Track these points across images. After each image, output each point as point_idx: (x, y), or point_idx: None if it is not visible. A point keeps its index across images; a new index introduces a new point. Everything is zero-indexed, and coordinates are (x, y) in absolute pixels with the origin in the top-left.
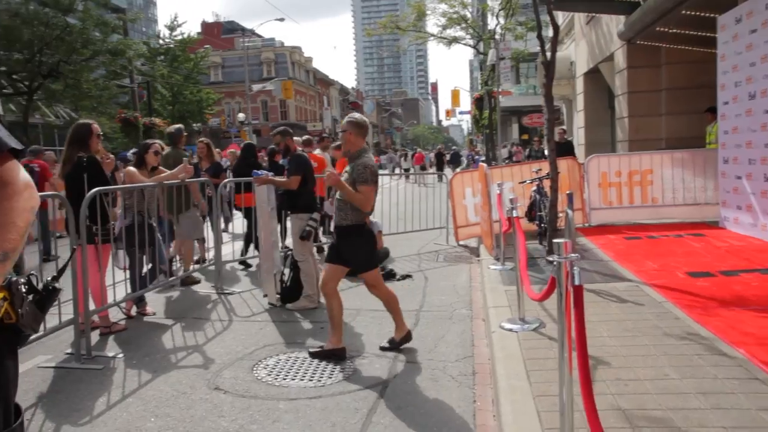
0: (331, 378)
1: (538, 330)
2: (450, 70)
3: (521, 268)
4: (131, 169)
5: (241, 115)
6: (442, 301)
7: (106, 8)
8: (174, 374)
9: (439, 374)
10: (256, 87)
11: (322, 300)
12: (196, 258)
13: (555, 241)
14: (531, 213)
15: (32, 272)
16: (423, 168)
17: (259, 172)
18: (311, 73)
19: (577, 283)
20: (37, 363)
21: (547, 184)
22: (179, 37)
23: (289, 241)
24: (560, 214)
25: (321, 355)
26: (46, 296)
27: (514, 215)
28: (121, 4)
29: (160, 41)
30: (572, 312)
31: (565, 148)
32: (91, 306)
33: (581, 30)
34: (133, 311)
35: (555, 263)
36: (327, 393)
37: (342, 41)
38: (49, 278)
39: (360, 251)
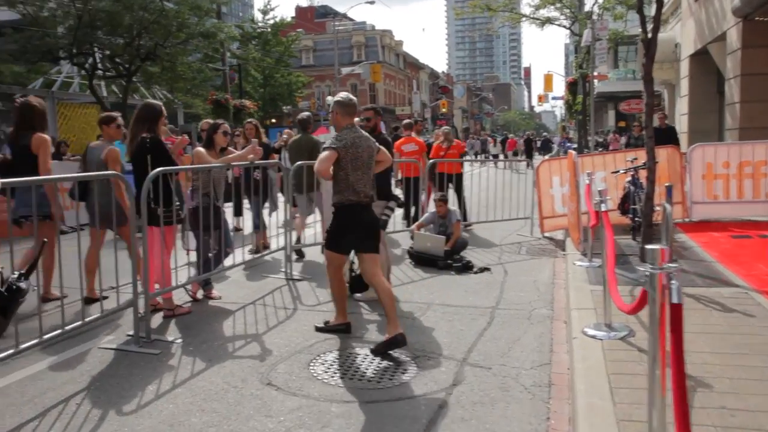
0: (391, 380)
1: (627, 339)
2: (545, 54)
3: (609, 269)
4: (200, 149)
5: (329, 99)
6: (521, 299)
7: None
8: (228, 365)
9: (510, 383)
10: (345, 70)
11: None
12: (250, 247)
13: (649, 247)
14: (624, 205)
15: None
16: (516, 154)
17: None
18: (401, 56)
19: (675, 301)
20: (98, 343)
21: (643, 174)
22: (271, 21)
23: None
24: (657, 208)
25: (325, 330)
26: (8, 298)
27: (603, 209)
28: None
29: (253, 25)
30: (667, 331)
31: (668, 136)
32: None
33: (689, 8)
34: (199, 294)
35: (647, 274)
36: (384, 397)
37: (433, 25)
38: (15, 275)
39: (330, 229)
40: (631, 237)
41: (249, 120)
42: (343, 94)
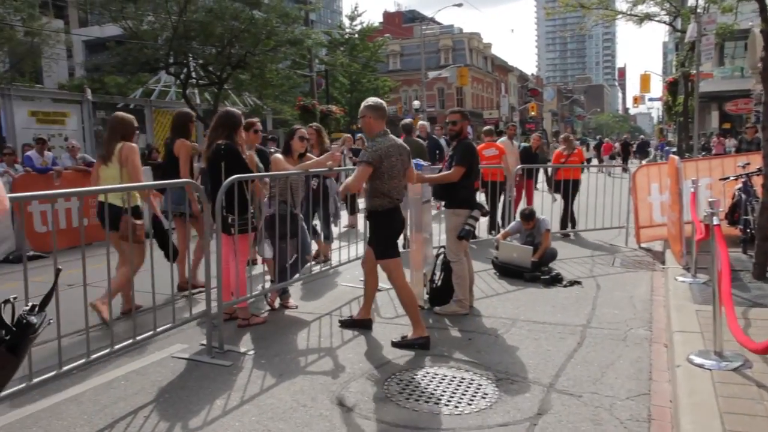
0: (471, 405)
1: (741, 371)
2: (640, 53)
3: (724, 291)
4: (277, 156)
5: (416, 103)
6: (615, 317)
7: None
8: (299, 381)
9: (603, 415)
10: (432, 74)
11: (475, 305)
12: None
13: None
14: (734, 215)
15: (11, 297)
16: (612, 158)
17: (419, 162)
18: (489, 59)
19: None
20: (172, 352)
21: (757, 182)
22: (359, 27)
23: (442, 238)
24: None
25: (348, 324)
26: (18, 334)
27: (714, 222)
28: None
29: (341, 32)
30: None
31: None
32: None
33: None
34: (277, 303)
35: None
36: (462, 425)
37: (523, 27)
38: (27, 308)
39: (374, 236)
40: (741, 250)
41: (311, 124)
42: (372, 99)
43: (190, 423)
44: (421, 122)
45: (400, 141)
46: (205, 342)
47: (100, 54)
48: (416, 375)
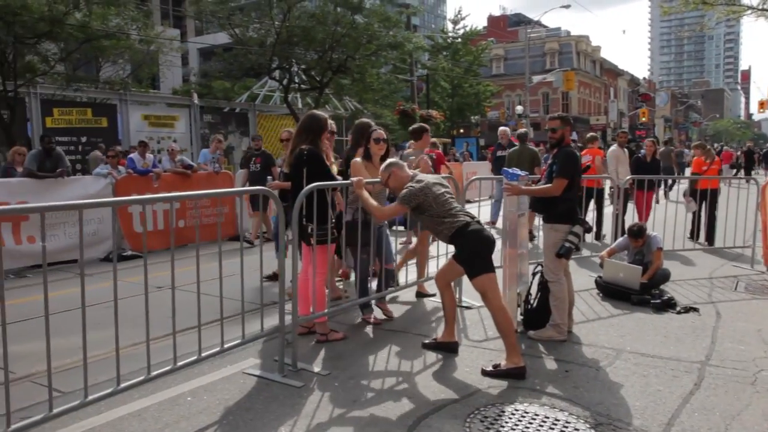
0: None
1: None
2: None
3: None
4: (356, 161)
5: (519, 108)
6: (740, 354)
7: (391, 4)
8: (372, 410)
9: None
10: (536, 78)
11: (574, 330)
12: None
13: None
14: None
15: None
16: (733, 168)
17: (515, 171)
18: (598, 63)
19: None
20: (244, 367)
21: None
22: (462, 31)
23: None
24: None
25: (432, 347)
26: None
27: None
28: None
29: (443, 35)
30: None
31: None
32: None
33: None
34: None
35: None
36: None
37: (636, 28)
38: None
39: (459, 257)
40: None
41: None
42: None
43: None
44: (501, 128)
45: (433, 176)
46: (277, 358)
47: (209, 60)
48: (504, 412)
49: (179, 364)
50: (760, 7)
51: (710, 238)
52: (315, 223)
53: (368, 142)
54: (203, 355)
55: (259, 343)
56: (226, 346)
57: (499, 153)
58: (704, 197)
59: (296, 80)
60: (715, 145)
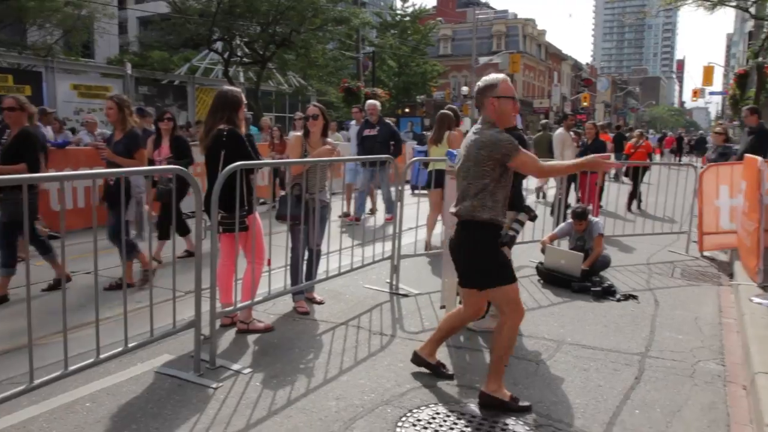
0: None
1: None
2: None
3: None
4: (294, 135)
5: (464, 89)
6: (679, 344)
7: None
8: (294, 415)
9: None
10: (482, 60)
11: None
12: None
13: None
14: None
15: None
16: (673, 152)
17: (455, 153)
18: (543, 47)
19: None
20: (155, 365)
21: None
22: (410, 9)
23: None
24: None
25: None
26: None
27: None
28: None
29: (391, 12)
30: None
31: None
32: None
33: None
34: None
35: None
36: None
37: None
38: None
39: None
40: None
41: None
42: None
43: None
44: (370, 101)
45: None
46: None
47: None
48: (438, 414)
49: (71, 368)
50: None
51: (638, 202)
52: (237, 208)
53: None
54: (101, 357)
55: (178, 336)
56: (129, 345)
57: (367, 132)
58: (636, 173)
59: (238, 53)
60: (650, 131)
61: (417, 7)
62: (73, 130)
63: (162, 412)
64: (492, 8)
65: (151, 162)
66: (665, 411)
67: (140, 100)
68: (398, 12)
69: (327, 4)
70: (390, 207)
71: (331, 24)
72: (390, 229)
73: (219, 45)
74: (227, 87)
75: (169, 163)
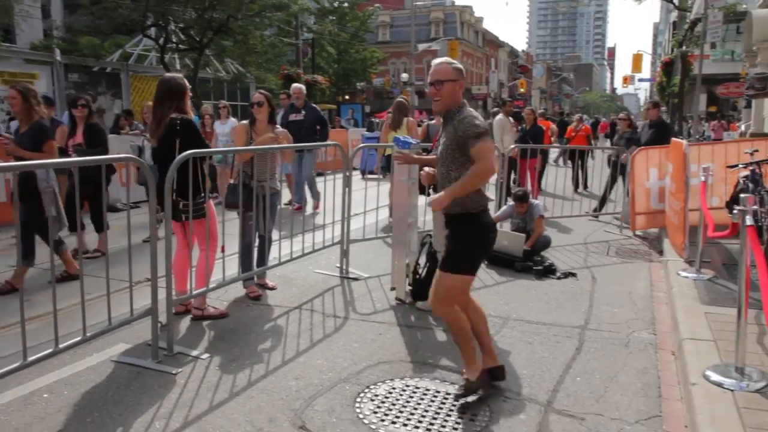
0: (456, 429)
1: (766, 393)
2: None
3: (766, 306)
4: (242, 123)
5: (404, 75)
6: (615, 316)
7: None
8: (255, 396)
9: None
10: (421, 47)
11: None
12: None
13: None
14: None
15: None
16: (607, 137)
17: (407, 139)
18: (480, 34)
19: None
20: (112, 354)
21: (765, 170)
22: None
23: (430, 226)
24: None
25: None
26: None
27: (748, 223)
28: None
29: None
30: None
31: (660, 131)
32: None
33: None
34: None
35: None
36: None
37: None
38: None
39: (464, 246)
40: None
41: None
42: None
43: None
44: (296, 85)
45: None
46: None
47: (77, 14)
48: (394, 389)
49: (30, 359)
50: None
51: (585, 184)
52: (191, 197)
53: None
54: (60, 346)
55: (132, 326)
56: (89, 334)
57: (293, 117)
58: (578, 156)
59: (173, 39)
60: (584, 117)
61: None
62: None
63: (123, 399)
64: None
65: (63, 151)
66: (603, 377)
67: (71, 87)
68: None
69: None
70: (314, 195)
71: (269, 10)
72: (337, 215)
73: (153, 31)
74: (170, 74)
75: (78, 153)
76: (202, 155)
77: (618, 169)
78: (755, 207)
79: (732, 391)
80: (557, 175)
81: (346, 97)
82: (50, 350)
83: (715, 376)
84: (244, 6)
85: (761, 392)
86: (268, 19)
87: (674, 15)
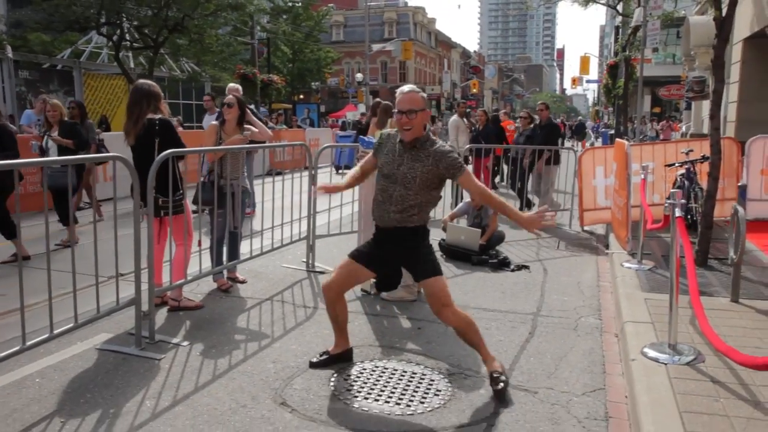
0: (423, 402)
1: (695, 365)
2: (579, 36)
3: (691, 289)
4: (212, 124)
5: (359, 76)
6: (564, 304)
7: None
8: (237, 377)
9: (560, 413)
10: (376, 47)
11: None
12: None
13: None
14: None
15: None
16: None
17: (371, 140)
18: (433, 34)
19: None
20: (96, 342)
21: (700, 168)
22: None
23: None
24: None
25: (325, 363)
26: None
27: (677, 214)
28: None
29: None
30: None
31: (547, 132)
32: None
33: None
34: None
35: None
36: (416, 427)
37: (468, 3)
38: None
39: (427, 257)
40: None
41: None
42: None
43: (114, 429)
44: (232, 85)
45: None
46: (133, 330)
47: (23, 8)
48: (365, 369)
49: (29, 343)
50: None
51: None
52: (170, 194)
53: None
54: (56, 332)
55: (110, 318)
56: (80, 321)
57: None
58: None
59: (128, 38)
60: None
61: None
62: None
63: (113, 382)
64: None
65: None
66: (554, 357)
67: (21, 85)
68: None
69: None
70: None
71: (225, 10)
72: (302, 212)
73: (106, 28)
74: (143, 81)
75: None
76: (180, 154)
77: (527, 167)
78: (683, 201)
79: (665, 365)
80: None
81: (301, 96)
82: (46, 335)
83: (651, 353)
84: (200, 5)
85: (690, 365)
86: (225, 18)
87: (619, 19)
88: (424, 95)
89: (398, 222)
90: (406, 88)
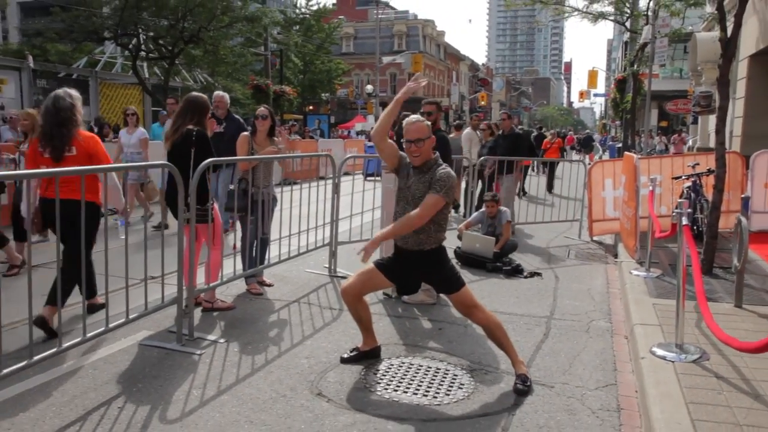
0: (449, 395)
1: (700, 363)
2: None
3: (698, 291)
4: (244, 135)
5: (369, 87)
6: (576, 308)
7: None
8: (275, 371)
9: (576, 405)
10: (385, 59)
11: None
12: None
13: None
14: None
15: None
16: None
17: None
18: (442, 47)
19: None
20: (138, 339)
21: (706, 181)
22: (314, 7)
23: None
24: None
25: (354, 359)
26: None
27: (684, 223)
28: None
29: (296, 11)
30: None
31: (516, 142)
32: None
33: (753, 6)
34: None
35: None
36: (443, 415)
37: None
38: None
39: (442, 274)
40: None
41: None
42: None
43: (167, 414)
44: (218, 93)
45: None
46: (172, 328)
47: (39, 18)
48: (392, 365)
49: (89, 335)
50: (585, 10)
51: (550, 188)
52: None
53: (256, 120)
54: (111, 325)
55: (150, 316)
56: (131, 316)
57: (215, 129)
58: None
59: (144, 48)
60: (552, 129)
61: (321, 5)
62: None
63: (160, 373)
64: (392, 8)
65: None
66: (568, 356)
67: (39, 93)
68: (302, 10)
69: (236, 1)
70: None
71: (240, 22)
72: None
73: (123, 39)
74: (196, 93)
75: None
76: (218, 164)
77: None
78: (689, 210)
79: (673, 362)
80: (530, 184)
81: (311, 107)
82: (102, 329)
83: (659, 351)
84: (215, 18)
85: (696, 362)
86: (240, 30)
87: (627, 35)
88: (428, 123)
89: (416, 245)
90: (413, 118)
